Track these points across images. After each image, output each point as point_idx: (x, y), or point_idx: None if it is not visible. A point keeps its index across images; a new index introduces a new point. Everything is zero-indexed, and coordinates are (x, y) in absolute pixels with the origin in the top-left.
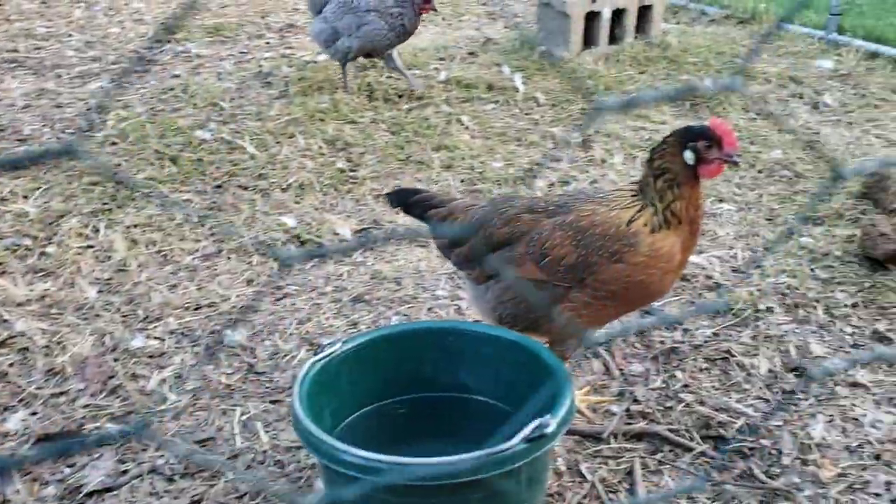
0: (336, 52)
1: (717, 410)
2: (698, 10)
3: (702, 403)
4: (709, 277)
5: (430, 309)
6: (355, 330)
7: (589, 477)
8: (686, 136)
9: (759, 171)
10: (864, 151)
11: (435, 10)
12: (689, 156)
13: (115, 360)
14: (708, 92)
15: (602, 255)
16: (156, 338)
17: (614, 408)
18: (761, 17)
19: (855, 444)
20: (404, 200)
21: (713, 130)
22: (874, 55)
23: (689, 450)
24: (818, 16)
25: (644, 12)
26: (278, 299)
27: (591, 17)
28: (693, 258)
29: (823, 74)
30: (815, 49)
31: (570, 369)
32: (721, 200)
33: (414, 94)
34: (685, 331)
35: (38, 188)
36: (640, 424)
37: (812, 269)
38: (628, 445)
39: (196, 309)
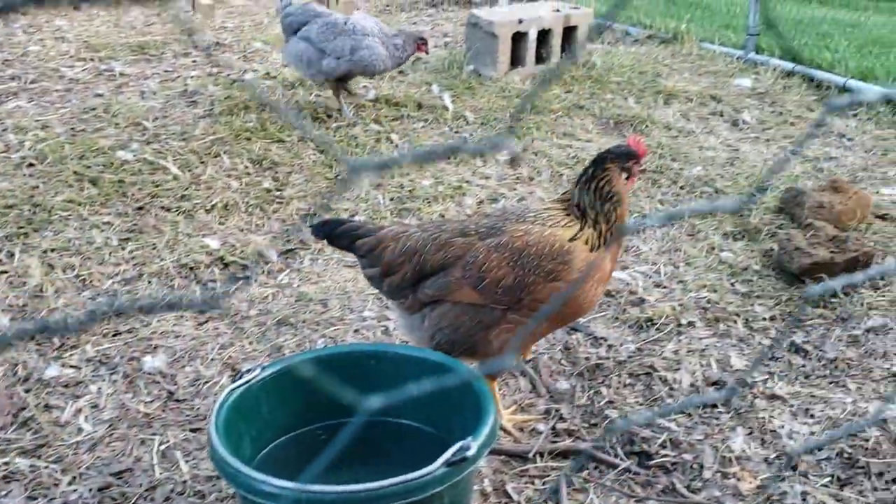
0: (318, 72)
1: (640, 426)
2: (622, 31)
3: (626, 419)
4: (633, 293)
5: (356, 331)
6: (279, 354)
7: (515, 497)
8: (621, 159)
9: (681, 188)
10: (782, 167)
11: (427, 52)
12: (623, 176)
13: (27, 390)
14: (469, 150)
15: (539, 275)
16: (72, 366)
17: (541, 426)
18: (683, 37)
19: (773, 456)
20: (330, 232)
21: (636, 149)
22: (790, 74)
23: (614, 466)
24: (737, 36)
25: (569, 33)
26: (200, 324)
27: (518, 38)
28: (618, 274)
29: (742, 92)
30: (734, 68)
31: (497, 388)
32: (644, 216)
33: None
34: (610, 346)
35: None
36: (566, 442)
37: (732, 284)
38: (554, 464)
39: (115, 335)
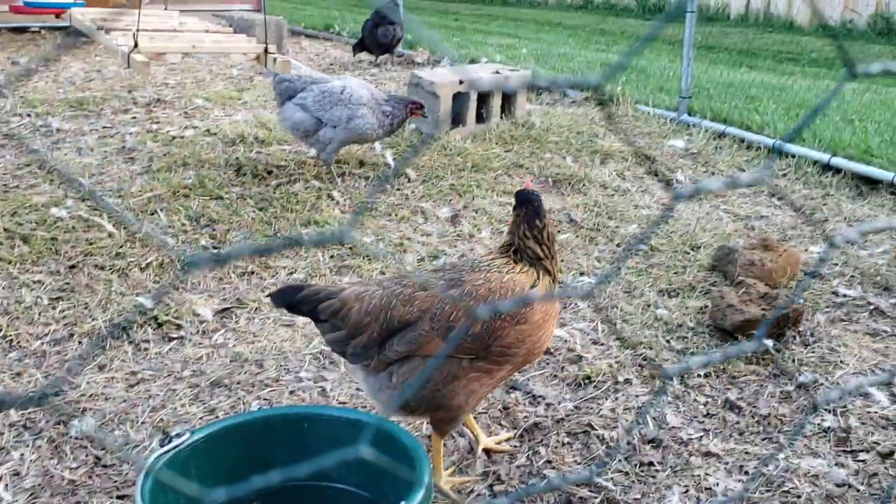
0: (317, 142)
1: (578, 486)
2: (560, 92)
3: (564, 479)
4: (571, 350)
5: (292, 392)
6: (213, 417)
7: None
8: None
9: (618, 245)
10: (714, 226)
11: (425, 116)
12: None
13: None
14: (309, 243)
15: (506, 320)
16: None
17: (479, 486)
18: (618, 98)
19: None
20: (289, 299)
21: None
22: (721, 135)
23: None
24: (670, 98)
25: (509, 94)
26: (132, 385)
27: (459, 98)
28: (556, 331)
29: (676, 153)
30: (667, 129)
31: (440, 448)
32: (582, 273)
33: (285, 169)
34: (548, 405)
35: None
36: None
37: (667, 341)
38: None
39: (41, 398)
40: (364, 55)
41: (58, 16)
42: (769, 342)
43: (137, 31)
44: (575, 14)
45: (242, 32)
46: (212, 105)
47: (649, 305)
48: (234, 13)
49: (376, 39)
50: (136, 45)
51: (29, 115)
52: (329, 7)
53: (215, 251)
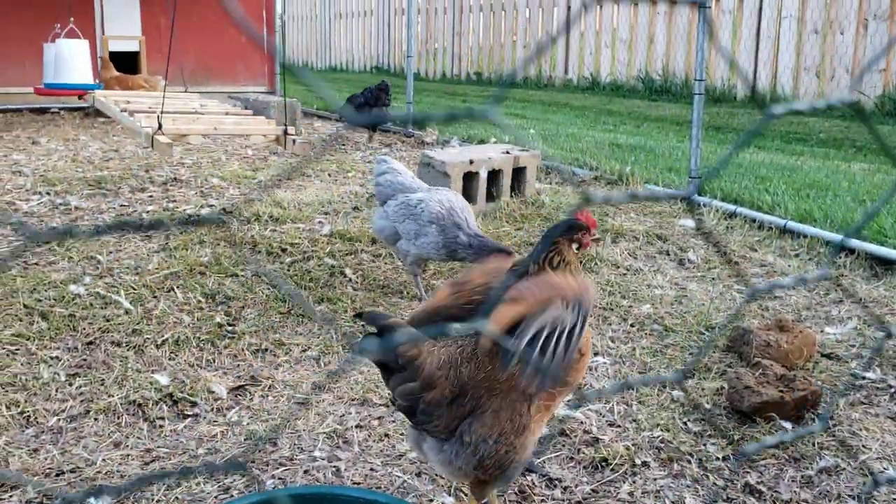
0: (398, 252)
1: None
2: (569, 171)
3: None
4: (587, 432)
5: (306, 472)
6: (227, 496)
7: None
8: (569, 232)
9: (631, 325)
10: (728, 306)
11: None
12: (574, 247)
13: None
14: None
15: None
16: None
17: None
18: (628, 178)
19: None
20: (381, 321)
21: (583, 220)
22: (732, 215)
23: None
24: (679, 178)
25: (518, 173)
26: (147, 462)
27: (470, 177)
28: (571, 412)
29: (687, 232)
30: (678, 209)
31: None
32: (596, 354)
33: (298, 247)
34: (565, 488)
35: None
36: None
37: (684, 423)
38: None
39: (57, 475)
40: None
41: (80, 97)
42: (788, 425)
43: (161, 113)
44: (582, 95)
45: (258, 114)
46: (227, 184)
47: (665, 387)
48: (249, 95)
49: (367, 119)
50: (159, 127)
51: (48, 194)
52: (340, 89)
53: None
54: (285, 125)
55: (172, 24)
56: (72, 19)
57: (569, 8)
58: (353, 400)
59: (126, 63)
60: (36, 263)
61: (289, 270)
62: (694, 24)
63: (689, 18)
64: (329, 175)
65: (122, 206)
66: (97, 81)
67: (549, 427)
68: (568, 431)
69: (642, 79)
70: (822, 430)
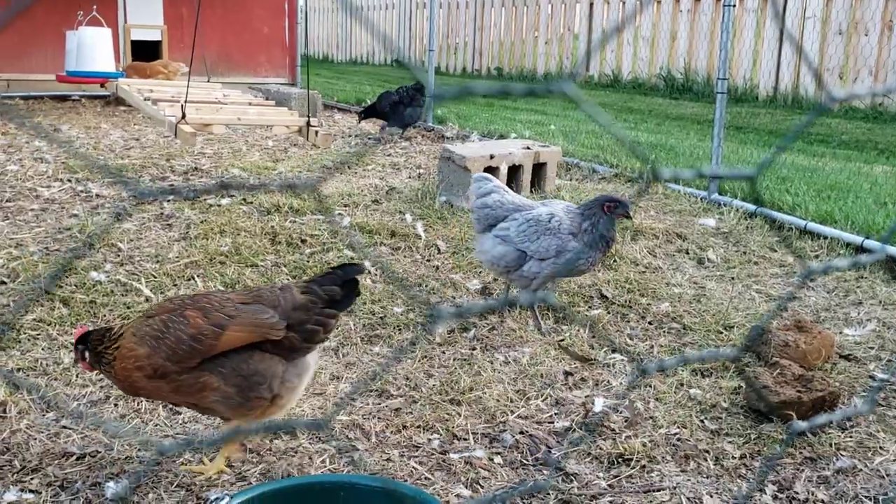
0: (520, 277)
1: None
2: (589, 168)
3: None
4: (604, 426)
5: (323, 461)
6: (244, 483)
7: None
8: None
9: (650, 323)
10: (747, 306)
11: (628, 216)
12: None
13: None
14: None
15: None
16: (31, 490)
17: None
18: (648, 176)
19: None
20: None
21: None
22: (752, 215)
23: None
24: (700, 178)
25: (538, 169)
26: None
27: (489, 172)
28: (590, 405)
29: (707, 231)
30: (698, 208)
31: None
32: (614, 351)
33: (318, 238)
34: (581, 483)
35: None
36: None
37: (701, 420)
38: None
39: (78, 458)
40: (365, 124)
41: (102, 85)
42: (804, 425)
43: (185, 102)
44: (602, 92)
45: (280, 105)
46: (248, 175)
47: (682, 384)
48: (271, 86)
49: (402, 117)
50: (183, 116)
51: (69, 181)
52: (360, 82)
53: None
54: (308, 116)
55: (197, 15)
56: (94, 7)
57: (591, 4)
58: (370, 391)
59: (148, 52)
60: (57, 250)
61: (308, 261)
62: (717, 22)
63: (712, 17)
64: (349, 168)
65: (142, 193)
66: (119, 69)
67: (568, 420)
68: (587, 426)
69: (664, 76)
70: (869, 411)
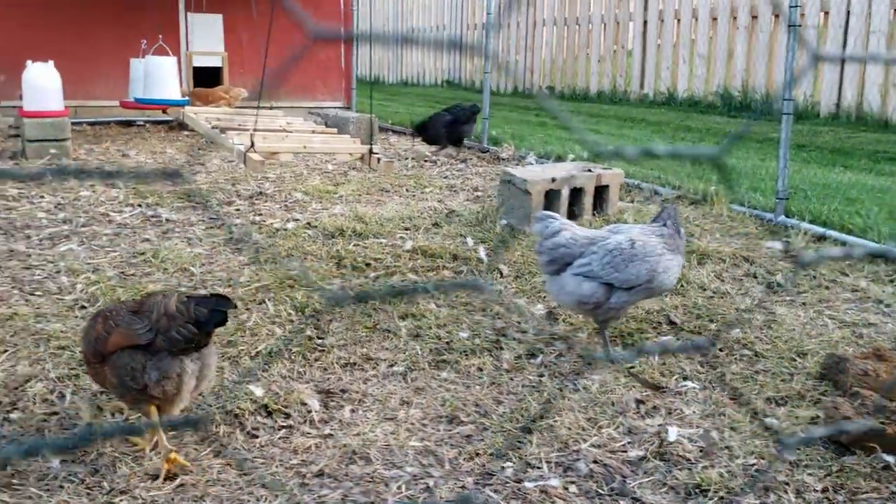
0: (604, 311)
1: None
2: (651, 190)
3: None
4: (680, 456)
5: (399, 487)
6: None
7: None
8: None
9: (721, 350)
10: (820, 332)
11: None
12: None
13: None
14: None
15: None
16: None
17: None
18: (712, 198)
19: None
20: None
21: None
22: (822, 238)
23: None
24: (766, 199)
25: (601, 191)
26: (243, 472)
27: (551, 195)
28: (664, 435)
29: (774, 255)
30: (764, 230)
31: None
32: (685, 378)
33: (382, 262)
34: None
35: (4, 351)
36: None
37: (779, 451)
38: None
39: (166, 479)
40: (420, 146)
41: (164, 111)
42: (890, 458)
43: (254, 131)
44: (658, 110)
45: (338, 130)
46: (310, 199)
47: (757, 413)
48: (328, 110)
49: (457, 134)
50: (252, 145)
51: (139, 206)
52: (412, 104)
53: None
54: (370, 144)
55: (267, 44)
56: (160, 37)
57: (645, 22)
58: (440, 417)
59: (209, 77)
60: (133, 274)
61: (373, 285)
62: (775, 38)
63: (770, 34)
64: (407, 191)
65: (210, 218)
66: (184, 96)
67: (642, 449)
68: (662, 455)
69: (721, 94)
70: None
